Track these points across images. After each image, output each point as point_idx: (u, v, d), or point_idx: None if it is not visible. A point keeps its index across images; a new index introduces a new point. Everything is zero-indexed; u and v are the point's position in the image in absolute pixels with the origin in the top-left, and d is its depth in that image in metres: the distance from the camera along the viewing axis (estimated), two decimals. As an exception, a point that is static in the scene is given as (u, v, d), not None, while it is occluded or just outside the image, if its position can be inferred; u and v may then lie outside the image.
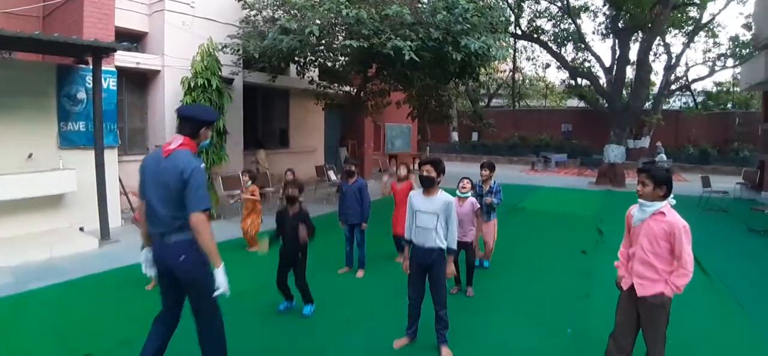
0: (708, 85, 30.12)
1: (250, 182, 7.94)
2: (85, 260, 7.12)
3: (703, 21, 25.74)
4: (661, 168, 3.50)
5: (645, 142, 26.28)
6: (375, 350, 4.40)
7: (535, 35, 24.57)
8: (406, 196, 6.72)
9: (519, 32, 23.94)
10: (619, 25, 22.21)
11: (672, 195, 3.45)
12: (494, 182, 6.77)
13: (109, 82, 9.12)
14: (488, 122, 27.42)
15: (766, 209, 11.42)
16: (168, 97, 10.68)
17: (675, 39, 27.84)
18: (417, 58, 9.56)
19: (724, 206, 12.94)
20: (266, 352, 4.40)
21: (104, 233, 8.12)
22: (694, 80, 29.56)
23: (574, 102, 34.38)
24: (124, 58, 9.89)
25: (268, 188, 11.61)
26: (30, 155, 8.25)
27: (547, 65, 35.28)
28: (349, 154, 15.86)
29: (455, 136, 33.13)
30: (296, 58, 12.06)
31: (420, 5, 11.35)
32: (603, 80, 23.52)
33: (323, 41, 10.61)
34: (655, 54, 26.70)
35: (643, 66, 19.68)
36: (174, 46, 10.73)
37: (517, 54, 34.96)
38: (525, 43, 31.68)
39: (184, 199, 3.06)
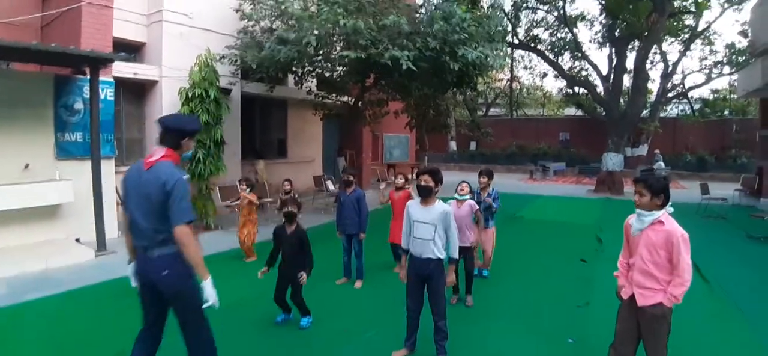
0: (705, 92, 30.24)
1: (247, 190, 7.92)
2: (81, 271, 7.07)
3: (699, 29, 25.84)
4: (658, 177, 3.48)
5: (643, 150, 26.33)
6: (373, 361, 4.36)
7: (533, 44, 24.66)
8: (403, 205, 6.72)
9: (516, 42, 24.04)
10: (616, 33, 22.30)
11: (670, 203, 3.43)
12: (492, 190, 6.76)
13: (107, 93, 9.11)
14: (486, 131, 27.45)
15: (766, 216, 11.40)
16: (166, 107, 10.65)
17: (671, 47, 27.97)
18: (414, 68, 9.58)
19: (723, 213, 12.93)
20: (263, 364, 4.35)
21: (100, 244, 8.07)
22: (691, 88, 29.66)
23: (571, 111, 34.49)
24: (122, 68, 9.88)
25: (266, 198, 11.56)
26: (26, 166, 8.21)
27: (545, 74, 35.39)
28: (347, 164, 15.85)
29: (453, 145, 33.14)
30: (294, 69, 12.07)
31: (417, 15, 11.41)
32: (600, 89, 23.58)
33: (321, 51, 10.64)
34: (651, 62, 26.82)
35: (640, 74, 19.73)
36: (172, 56, 10.73)
37: (514, 63, 35.09)
38: (522, 52, 31.79)
39: (167, 212, 3.00)
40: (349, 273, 6.69)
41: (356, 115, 14.77)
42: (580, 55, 25.48)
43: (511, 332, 5.06)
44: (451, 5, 10.37)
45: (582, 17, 25.92)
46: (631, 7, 20.72)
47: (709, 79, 28.36)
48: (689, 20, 25.13)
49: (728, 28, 59.11)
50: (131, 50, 10.68)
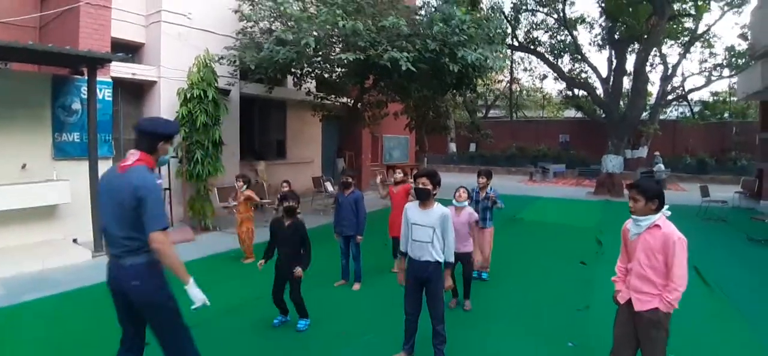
0: (704, 95, 30.28)
1: (244, 187, 7.88)
2: (78, 271, 7.03)
3: (699, 31, 25.89)
4: (652, 181, 3.45)
5: (643, 152, 26.32)
6: (371, 365, 4.32)
7: (532, 47, 24.67)
8: (402, 199, 6.73)
9: (516, 44, 24.04)
10: (616, 36, 22.32)
11: (667, 206, 3.41)
12: (490, 190, 6.73)
13: (105, 93, 9.09)
14: (486, 133, 27.42)
15: (766, 219, 11.37)
16: (164, 108, 10.62)
17: (671, 49, 28.00)
18: (414, 69, 9.55)
19: (724, 216, 12.90)
20: (260, 367, 4.32)
21: (98, 244, 8.02)
22: (691, 90, 29.70)
23: (571, 113, 34.51)
24: (120, 68, 9.85)
25: (265, 199, 11.53)
26: (24, 166, 8.19)
27: (545, 76, 35.41)
28: (346, 165, 15.81)
29: (453, 147, 33.12)
30: (293, 70, 12.04)
31: (417, 17, 11.39)
32: (600, 91, 23.60)
33: (320, 53, 10.61)
34: (651, 64, 26.85)
35: (640, 76, 19.72)
36: (170, 57, 10.69)
37: (514, 65, 35.12)
38: (522, 54, 31.83)
39: (140, 218, 2.87)
40: (347, 276, 6.65)
41: (355, 116, 14.74)
42: (579, 57, 25.52)
43: (510, 335, 5.02)
44: (451, 7, 10.35)
45: (582, 20, 25.98)
46: (630, 9, 20.76)
47: (708, 81, 28.41)
48: (689, 23, 25.19)
49: (728, 30, 59.22)
50: (129, 50, 10.64)
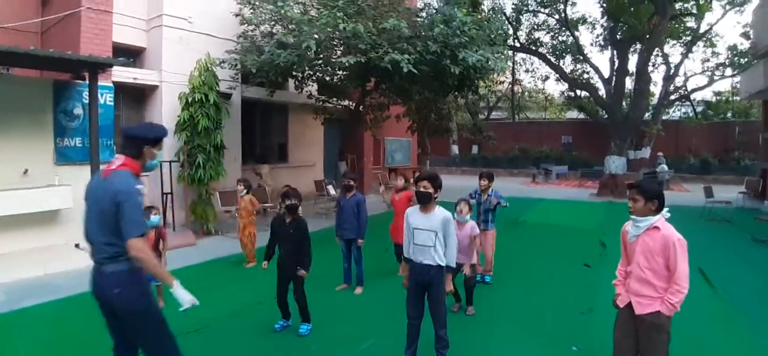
0: (707, 94, 30.18)
1: (245, 192, 7.85)
2: (80, 277, 6.97)
3: (701, 31, 25.81)
4: (652, 182, 3.42)
5: (646, 152, 26.24)
6: (373, 369, 4.29)
7: (534, 48, 24.64)
8: (405, 205, 6.70)
9: (517, 45, 24.01)
10: (618, 36, 22.28)
11: (667, 208, 3.38)
12: (492, 192, 6.71)
13: (106, 98, 9.09)
14: (488, 135, 27.38)
15: (771, 219, 11.32)
16: (166, 112, 10.61)
17: (673, 49, 27.93)
18: (415, 71, 9.53)
19: (728, 217, 12.83)
20: (262, 372, 4.29)
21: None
22: (694, 90, 29.61)
23: (573, 114, 34.44)
24: (122, 73, 9.86)
25: (267, 203, 11.52)
26: (25, 171, 8.19)
27: (546, 77, 35.34)
28: (348, 168, 15.79)
29: (455, 149, 33.08)
30: (294, 73, 12.03)
31: (418, 19, 11.37)
32: (602, 92, 23.55)
33: (321, 56, 10.60)
34: (653, 65, 26.75)
35: (642, 77, 19.67)
36: (172, 61, 10.69)
37: (516, 66, 35.08)
38: (524, 55, 31.78)
39: (119, 224, 2.81)
40: (349, 280, 6.62)
41: (357, 119, 14.72)
42: (581, 58, 25.48)
43: (513, 338, 4.98)
44: (452, 8, 10.34)
45: (583, 20, 25.95)
46: (632, 9, 20.71)
47: (711, 81, 28.33)
48: (691, 22, 25.12)
49: (730, 30, 58.81)
50: (131, 55, 10.65)
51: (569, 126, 33.22)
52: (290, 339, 4.92)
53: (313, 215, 12.58)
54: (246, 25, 11.13)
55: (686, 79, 29.83)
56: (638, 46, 22.51)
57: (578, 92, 26.73)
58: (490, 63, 10.28)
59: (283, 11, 10.06)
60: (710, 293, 6.55)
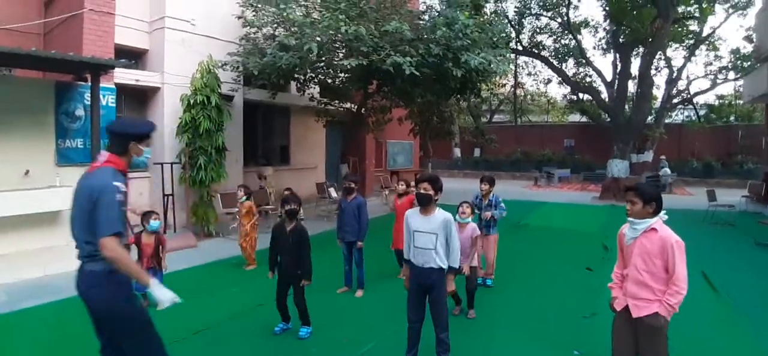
0: (710, 98, 30.16)
1: (244, 198, 7.83)
2: (80, 279, 7.00)
3: (704, 34, 25.77)
4: (649, 185, 3.42)
5: (648, 156, 26.18)
6: (374, 373, 4.27)
7: (536, 51, 24.62)
8: (406, 210, 6.67)
9: (520, 48, 23.99)
10: (620, 40, 22.24)
11: (664, 211, 3.37)
12: (493, 196, 6.67)
13: (108, 99, 9.10)
14: (490, 138, 27.34)
15: (774, 223, 11.26)
16: (168, 114, 10.62)
17: (676, 53, 27.88)
18: (417, 74, 9.52)
19: (731, 220, 12.77)
20: (261, 375, 4.27)
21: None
22: (696, 94, 29.56)
23: (576, 117, 34.41)
24: (124, 75, 9.86)
25: (269, 205, 11.50)
26: (27, 172, 8.20)
27: (549, 81, 35.29)
28: (350, 171, 15.76)
29: (457, 152, 33.06)
30: (296, 75, 12.02)
31: (420, 21, 11.36)
32: (605, 95, 23.49)
33: (323, 58, 10.59)
34: (656, 68, 26.70)
35: (645, 80, 19.64)
36: (174, 63, 10.69)
37: (518, 70, 35.06)
38: (526, 58, 31.74)
39: (94, 221, 2.74)
40: (349, 282, 6.59)
41: (359, 122, 14.70)
42: (584, 61, 25.45)
43: (515, 342, 4.95)
44: (454, 11, 10.33)
45: (586, 24, 25.92)
46: (635, 13, 20.69)
47: (714, 84, 28.28)
48: (694, 26, 25.08)
49: (733, 33, 58.80)
50: (133, 57, 10.66)
51: (572, 129, 33.19)
52: (290, 342, 4.90)
53: (315, 217, 12.56)
54: (248, 27, 11.14)
55: (689, 83, 29.80)
56: (641, 49, 22.48)
57: (581, 95, 26.70)
58: (492, 66, 10.26)
59: (285, 14, 10.06)
60: (713, 297, 6.51)
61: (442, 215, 4.02)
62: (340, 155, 16.08)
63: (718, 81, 28.02)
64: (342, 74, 12.20)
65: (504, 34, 12.80)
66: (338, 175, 15.39)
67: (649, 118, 24.76)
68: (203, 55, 10.30)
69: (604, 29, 26.06)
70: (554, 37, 26.16)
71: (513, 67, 31.95)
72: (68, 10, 9.42)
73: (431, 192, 4.00)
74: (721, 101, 29.71)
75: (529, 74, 36.30)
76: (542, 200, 17.90)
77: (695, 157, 26.30)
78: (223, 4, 11.58)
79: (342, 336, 5.02)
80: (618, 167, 18.52)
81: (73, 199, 2.93)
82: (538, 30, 26.10)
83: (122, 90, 10.02)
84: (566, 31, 24.62)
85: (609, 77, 23.96)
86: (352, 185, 6.57)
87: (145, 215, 5.88)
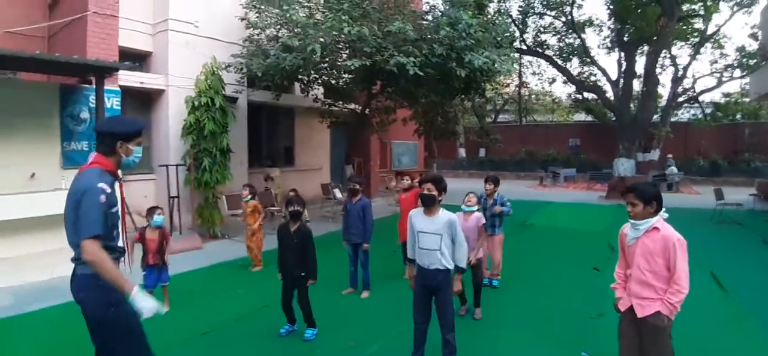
0: (716, 96, 29.87)
1: (249, 197, 7.83)
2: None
3: (709, 32, 25.58)
4: (647, 184, 3.43)
5: (654, 155, 26.02)
6: (380, 374, 4.24)
7: (541, 50, 24.53)
8: (412, 204, 6.66)
9: (524, 47, 23.92)
10: (625, 38, 22.14)
11: (664, 209, 3.36)
12: (498, 196, 6.64)
13: (113, 102, 9.10)
14: (495, 138, 27.27)
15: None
16: (172, 116, 10.65)
17: (681, 51, 27.68)
18: (421, 74, 9.50)
19: (739, 219, 12.67)
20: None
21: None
22: (702, 92, 29.30)
23: (581, 116, 34.23)
24: (128, 77, 9.88)
25: (274, 207, 11.50)
26: (33, 175, 8.21)
27: (553, 80, 35.11)
28: (354, 172, 15.76)
29: (462, 152, 32.99)
30: (300, 76, 12.02)
31: (423, 21, 11.33)
32: (610, 94, 23.39)
33: (326, 59, 10.58)
34: (661, 66, 26.55)
35: (650, 78, 19.54)
36: (178, 65, 10.72)
37: (522, 69, 34.94)
38: (531, 58, 31.63)
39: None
40: (355, 283, 6.57)
41: (364, 122, 14.69)
42: (588, 60, 25.34)
43: (521, 341, 4.93)
44: (457, 11, 10.30)
45: (590, 22, 25.80)
46: (639, 11, 20.59)
47: (720, 82, 28.03)
48: (698, 24, 24.91)
49: (738, 31, 58.43)
50: (137, 59, 10.68)
51: (577, 129, 33.04)
52: (296, 343, 4.89)
53: (319, 218, 12.55)
54: (251, 29, 11.15)
55: (694, 81, 29.54)
56: (646, 48, 22.35)
57: (586, 94, 26.59)
58: (496, 65, 10.23)
59: (288, 15, 10.06)
60: (721, 296, 6.46)
61: (446, 215, 4.00)
62: (345, 156, 16.08)
63: (724, 79, 27.80)
64: (346, 75, 12.20)
65: (508, 34, 12.76)
66: (343, 176, 15.39)
67: (655, 116, 24.62)
68: (207, 57, 10.31)
69: (609, 28, 25.94)
70: (558, 36, 26.02)
71: (517, 67, 31.82)
72: (72, 13, 9.45)
73: (435, 193, 3.98)
74: (727, 98, 29.45)
75: (534, 74, 36.15)
76: (548, 200, 17.83)
77: (702, 155, 26.12)
78: (226, 6, 11.59)
79: (348, 338, 5.00)
80: (624, 166, 18.43)
81: (65, 202, 2.86)
82: (542, 29, 25.98)
83: (127, 92, 10.04)
84: (570, 30, 24.51)
85: (614, 76, 23.87)
86: (357, 187, 6.56)
87: (149, 211, 5.92)
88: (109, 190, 2.75)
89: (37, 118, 8.35)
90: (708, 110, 29.56)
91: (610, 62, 40.67)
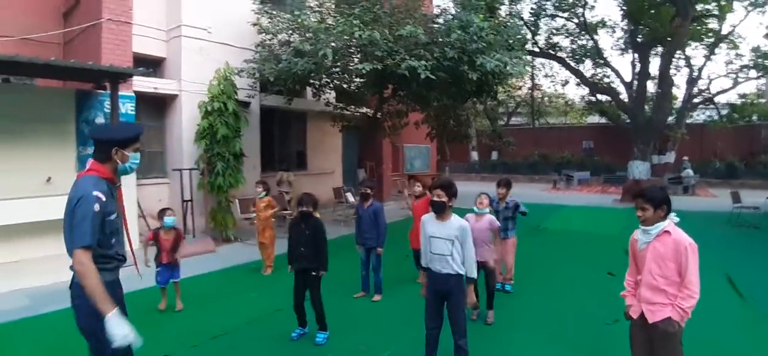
0: (732, 97, 29.47)
1: (263, 194, 7.86)
2: (102, 285, 7.07)
3: (724, 33, 25.25)
4: (657, 188, 3.39)
5: (670, 157, 25.73)
6: (391, 379, 4.23)
7: (553, 52, 24.36)
8: (424, 211, 6.62)
9: (536, 50, 23.78)
10: (638, 39, 21.92)
11: (675, 213, 3.33)
12: (510, 199, 6.59)
13: (127, 107, 9.19)
14: (508, 141, 27.12)
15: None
16: (185, 121, 10.74)
17: (696, 51, 27.33)
18: (433, 78, 9.48)
19: (756, 222, 12.48)
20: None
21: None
22: (718, 93, 28.92)
23: (594, 118, 33.96)
24: (142, 83, 9.99)
25: (286, 211, 11.53)
26: (49, 179, 8.33)
27: (566, 82, 34.95)
28: (367, 175, 15.75)
29: (475, 155, 32.88)
30: (312, 81, 12.07)
31: (434, 25, 11.32)
32: (624, 95, 23.15)
33: (338, 63, 10.61)
34: (676, 67, 26.23)
35: (665, 79, 19.31)
36: (191, 70, 10.81)
37: (535, 71, 34.74)
38: (543, 60, 31.44)
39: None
40: (367, 287, 6.56)
41: (375, 126, 14.70)
42: (602, 62, 25.09)
43: (534, 345, 4.89)
44: (469, 14, 10.27)
45: (603, 24, 25.54)
46: (653, 12, 20.37)
47: (735, 83, 27.66)
48: (713, 24, 24.61)
49: (753, 31, 57.32)
50: (151, 65, 10.79)
51: (590, 131, 32.79)
52: (307, 347, 4.89)
53: (332, 222, 12.57)
54: (263, 34, 11.22)
55: (710, 82, 29.26)
56: (660, 49, 22.11)
57: (599, 96, 26.37)
58: (508, 68, 10.19)
59: (300, 20, 10.11)
60: (738, 300, 6.36)
61: (457, 221, 3.97)
62: (357, 160, 16.08)
63: (740, 80, 27.43)
64: (357, 79, 12.22)
65: (520, 36, 12.67)
66: (355, 179, 15.39)
67: (670, 118, 24.34)
68: (220, 63, 10.38)
69: (622, 29, 25.67)
70: (571, 37, 25.79)
71: (529, 69, 31.65)
72: (87, 20, 9.58)
73: (445, 199, 3.94)
74: (743, 100, 29.03)
75: (546, 76, 36.04)
76: (561, 204, 17.69)
77: (718, 157, 25.79)
78: (238, 12, 11.67)
79: (359, 343, 4.99)
80: (639, 169, 18.23)
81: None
82: (554, 31, 25.79)
83: (141, 98, 10.14)
84: (583, 32, 24.30)
85: (628, 78, 23.59)
86: (368, 191, 6.54)
87: (161, 213, 6.01)
88: (104, 198, 2.68)
89: (53, 123, 8.48)
90: (724, 112, 29.16)
91: (624, 64, 40.12)
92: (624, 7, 21.95)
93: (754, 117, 28.56)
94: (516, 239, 6.81)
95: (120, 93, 8.39)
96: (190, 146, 10.56)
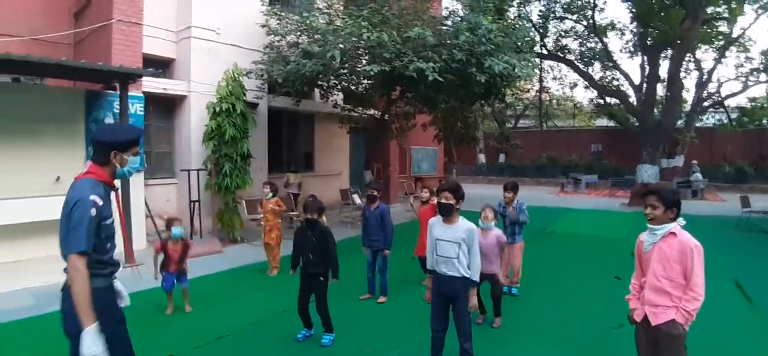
0: (742, 100, 29.18)
1: (270, 194, 7.87)
2: (109, 284, 7.11)
3: (734, 35, 25.05)
4: (670, 190, 3.37)
5: (679, 161, 25.54)
6: (397, 382, 4.22)
7: (562, 55, 24.28)
8: (430, 217, 6.62)
9: (545, 52, 23.72)
10: (648, 42, 21.78)
11: (682, 216, 3.32)
12: (517, 203, 6.56)
13: (136, 108, 9.26)
14: (515, 143, 27.05)
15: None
16: (194, 121, 10.80)
17: (706, 54, 27.13)
18: (441, 80, 9.47)
19: (765, 227, 12.35)
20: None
21: (128, 256, 8.14)
22: (727, 96, 28.67)
23: (603, 121, 33.80)
24: (152, 83, 10.05)
25: (293, 212, 11.56)
26: (57, 178, 8.37)
27: (575, 85, 34.78)
28: (374, 177, 15.76)
29: (482, 158, 32.80)
30: (319, 82, 12.10)
31: (442, 27, 11.31)
32: (633, 98, 23.04)
33: (346, 65, 10.62)
34: (685, 70, 26.05)
35: (675, 83, 19.18)
36: (200, 71, 10.86)
37: (543, 74, 34.63)
38: (551, 62, 31.35)
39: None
40: (372, 289, 6.57)
41: (383, 128, 14.71)
42: (611, 64, 24.98)
43: (540, 349, 4.87)
44: (477, 16, 10.26)
45: (612, 26, 25.43)
46: (662, 14, 20.25)
47: (745, 87, 27.41)
48: (723, 27, 24.42)
49: (763, 34, 56.77)
50: (161, 66, 10.86)
51: (599, 134, 32.62)
52: (313, 349, 4.89)
53: (338, 223, 12.59)
54: (272, 35, 11.26)
55: (720, 85, 28.93)
56: (669, 51, 21.97)
57: (608, 99, 26.24)
58: (516, 70, 10.17)
59: (308, 22, 10.14)
60: (746, 305, 6.31)
61: (465, 224, 3.97)
62: (365, 162, 16.08)
63: (750, 83, 27.18)
64: (365, 81, 12.23)
65: (528, 38, 12.64)
66: (362, 181, 15.40)
67: (679, 121, 24.16)
68: (228, 64, 10.43)
69: (631, 31, 25.54)
70: (580, 40, 25.71)
71: (538, 72, 31.55)
72: (97, 20, 9.65)
73: (452, 201, 3.94)
74: (753, 103, 28.74)
75: (555, 78, 35.80)
76: (569, 207, 17.59)
77: (727, 161, 25.56)
78: (247, 13, 11.71)
79: (365, 345, 4.99)
80: (648, 173, 18.11)
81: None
82: (563, 33, 25.72)
83: (150, 98, 10.20)
84: (592, 34, 24.21)
85: (637, 80, 23.48)
86: (375, 193, 6.53)
87: (168, 223, 6.02)
88: (101, 202, 2.63)
89: (63, 123, 8.55)
90: (733, 115, 28.90)
91: (633, 66, 40.05)
92: (633, 10, 21.83)
93: (764, 121, 28.28)
94: (523, 243, 6.78)
95: (129, 93, 8.46)
96: (198, 146, 10.62)
